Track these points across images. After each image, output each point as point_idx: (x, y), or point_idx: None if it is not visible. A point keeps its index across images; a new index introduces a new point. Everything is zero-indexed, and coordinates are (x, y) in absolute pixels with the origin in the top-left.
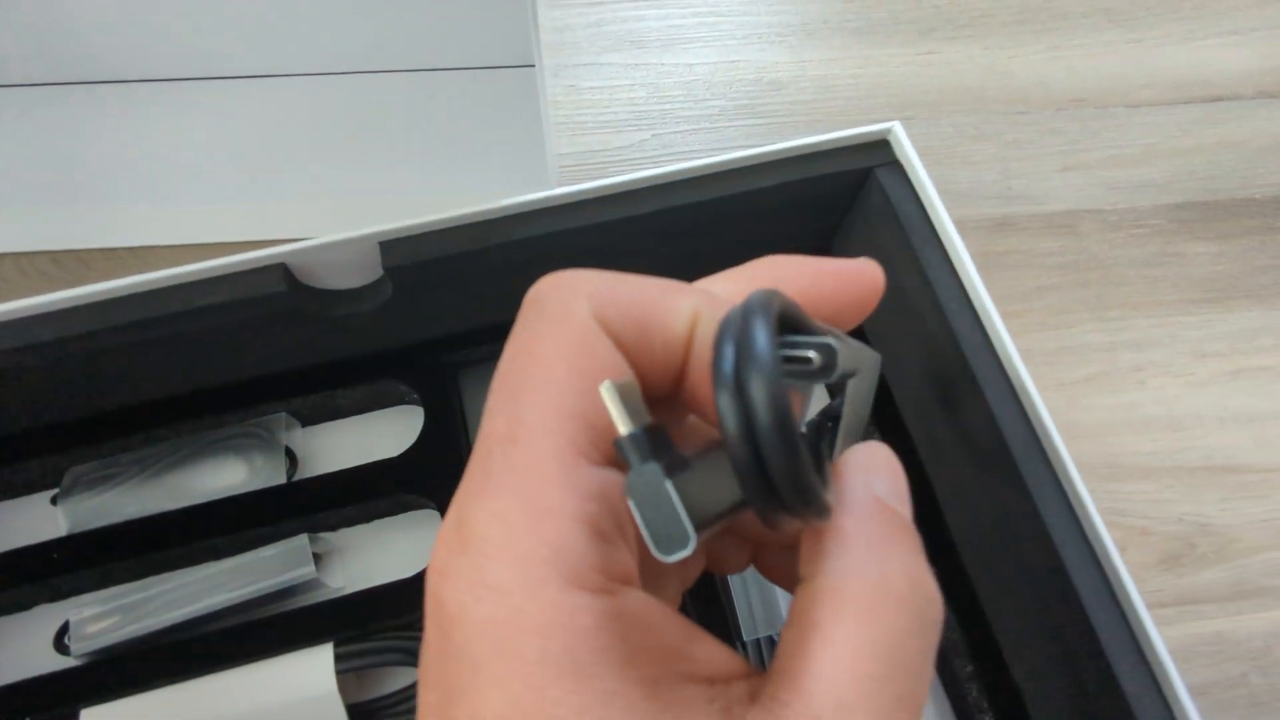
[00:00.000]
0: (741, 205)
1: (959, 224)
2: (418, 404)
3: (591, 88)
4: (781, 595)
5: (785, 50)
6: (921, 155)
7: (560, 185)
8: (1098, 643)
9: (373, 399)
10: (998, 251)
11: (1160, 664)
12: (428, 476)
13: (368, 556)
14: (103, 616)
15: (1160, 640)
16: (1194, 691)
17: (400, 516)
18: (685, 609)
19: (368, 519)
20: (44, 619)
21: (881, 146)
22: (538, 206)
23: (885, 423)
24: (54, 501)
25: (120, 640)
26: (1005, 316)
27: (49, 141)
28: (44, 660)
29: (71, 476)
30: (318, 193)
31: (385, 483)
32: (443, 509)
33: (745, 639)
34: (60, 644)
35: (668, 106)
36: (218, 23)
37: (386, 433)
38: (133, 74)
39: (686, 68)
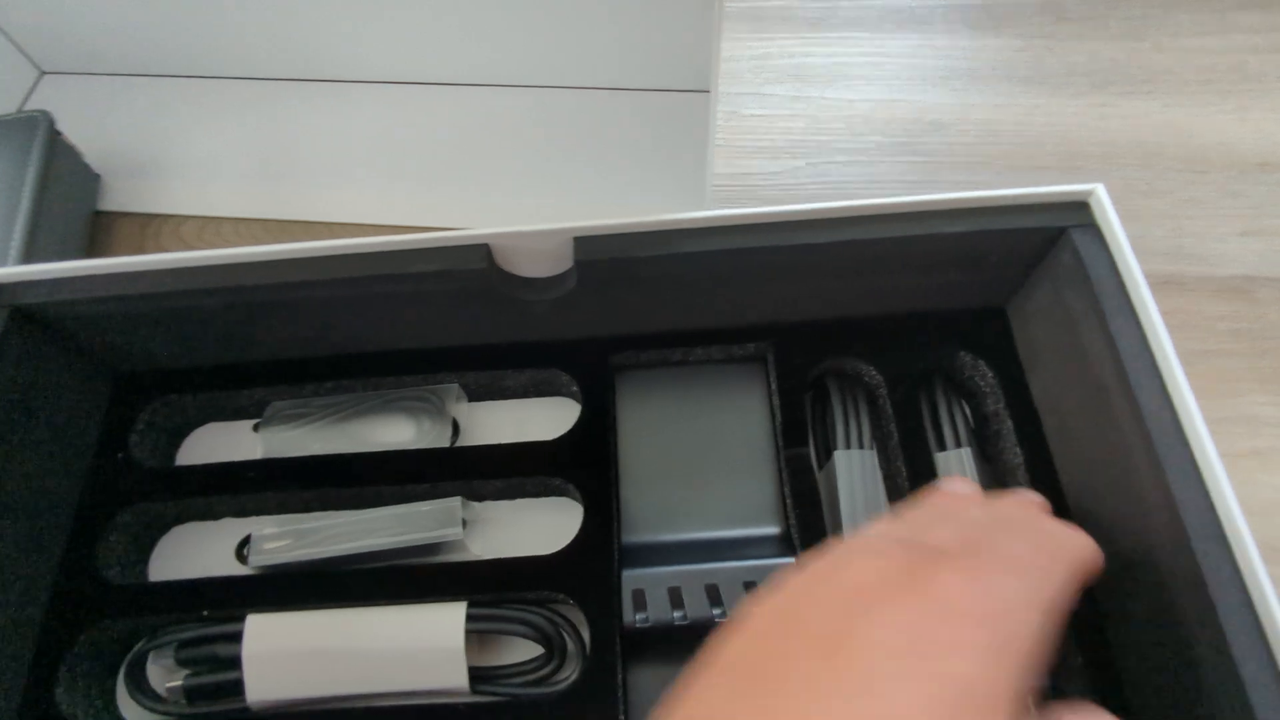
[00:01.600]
0: (925, 249)
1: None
2: (576, 398)
3: (753, 115)
4: None
5: (949, 93)
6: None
7: (715, 206)
8: None
9: (536, 386)
10: (1162, 311)
11: None
12: (574, 466)
13: (508, 531)
14: (279, 537)
15: None
16: None
17: (542, 499)
18: None
19: (513, 496)
20: (228, 531)
21: (1080, 208)
22: (728, 222)
23: (1042, 484)
24: (255, 429)
25: (289, 561)
26: None
27: (270, 128)
28: (223, 566)
29: (273, 409)
30: (493, 191)
31: (535, 464)
32: (583, 498)
33: None
34: (240, 554)
35: (825, 138)
36: (424, 33)
37: (544, 419)
38: (347, 75)
39: (847, 103)
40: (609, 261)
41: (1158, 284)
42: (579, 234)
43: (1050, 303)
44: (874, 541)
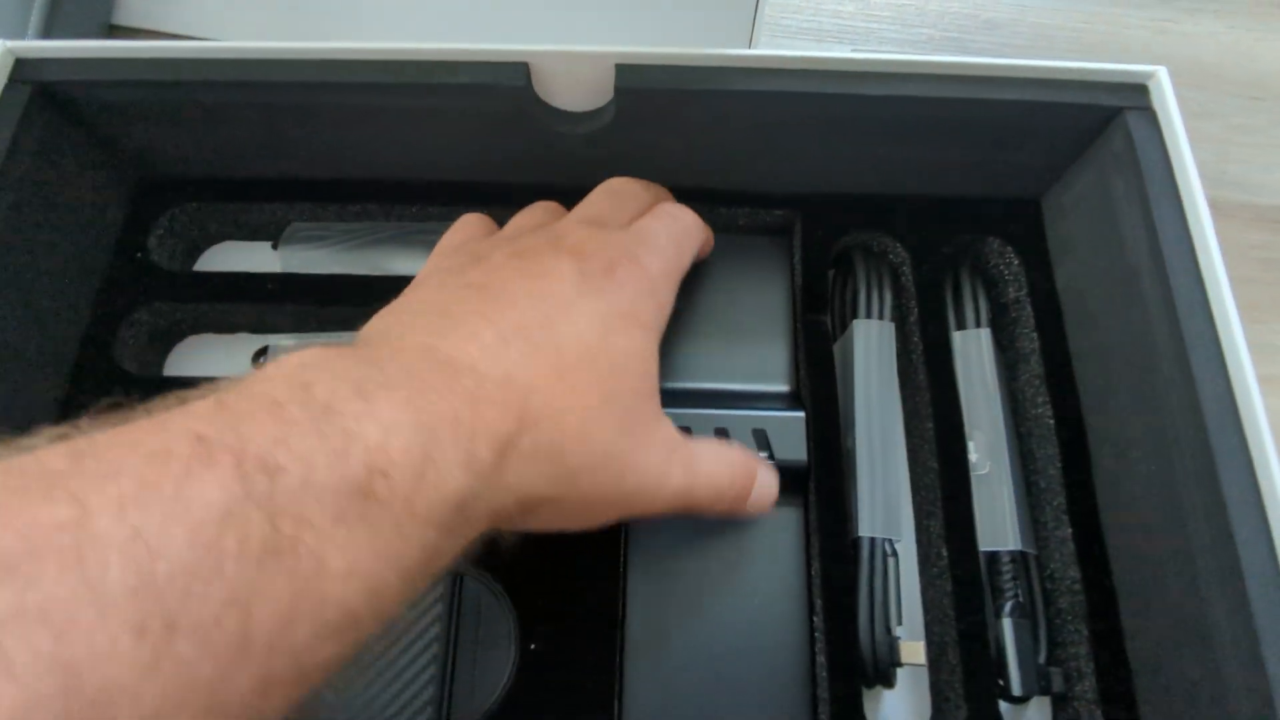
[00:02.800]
0: (974, 115)
1: None
2: None
3: None
4: (904, 501)
5: None
6: None
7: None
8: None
9: None
10: None
11: None
12: None
13: None
14: (296, 349)
15: None
16: None
17: None
18: (807, 499)
19: None
20: (244, 344)
21: (1138, 90)
22: (777, 65)
23: (1055, 370)
24: (274, 247)
25: None
26: None
27: None
28: (236, 371)
29: (292, 229)
30: (538, 25)
31: None
32: None
33: (860, 534)
34: (255, 363)
35: (874, 25)
36: None
37: None
38: None
39: None
40: (650, 94)
41: None
42: (622, 61)
43: (1091, 192)
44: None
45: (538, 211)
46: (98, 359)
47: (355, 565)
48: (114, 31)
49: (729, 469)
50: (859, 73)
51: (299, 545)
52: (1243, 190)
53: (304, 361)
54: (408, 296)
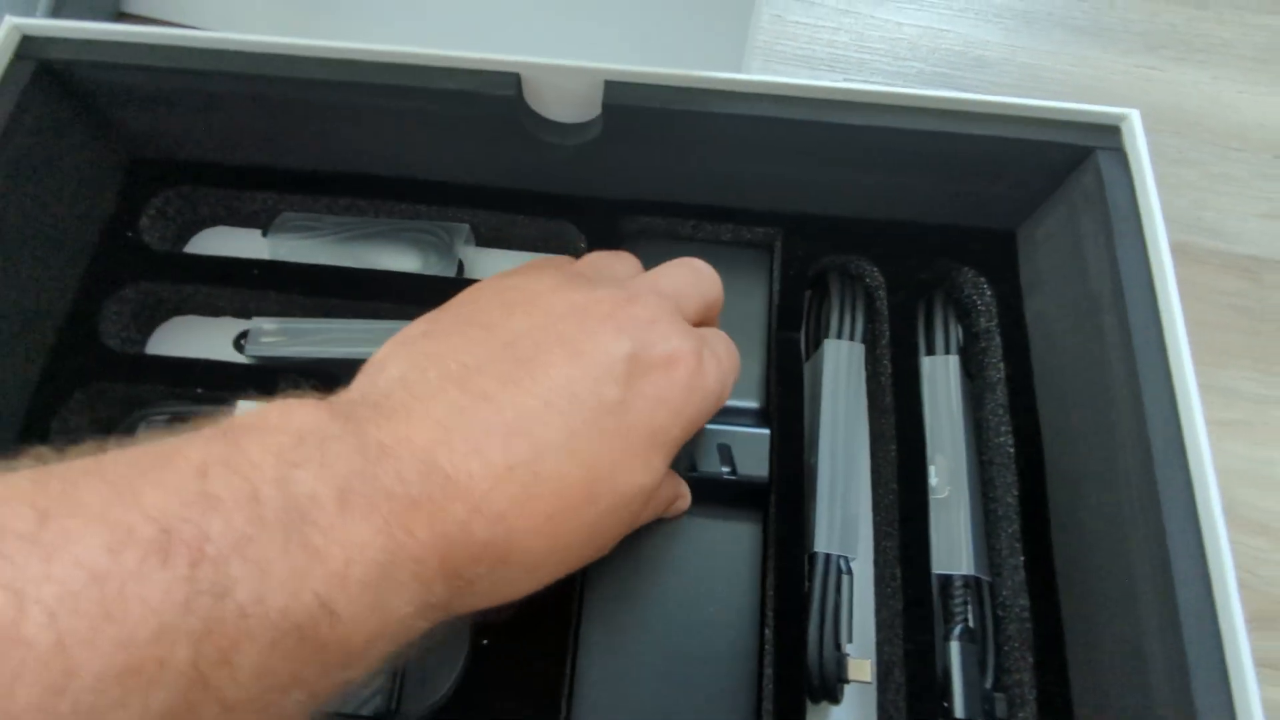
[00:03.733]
0: (952, 148)
1: None
2: (585, 253)
3: (797, 21)
4: (862, 520)
5: (999, 31)
6: None
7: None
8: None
9: (545, 239)
10: None
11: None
12: None
13: None
14: (276, 333)
15: (1246, 649)
16: None
17: None
18: (767, 514)
19: None
20: (228, 327)
21: (1111, 131)
22: (768, 90)
23: (1018, 400)
24: (264, 234)
25: (282, 355)
26: None
27: None
28: (221, 355)
29: (283, 219)
30: (533, 39)
31: None
32: None
33: (816, 550)
34: (238, 344)
35: (866, 57)
36: None
37: None
38: None
39: (895, 25)
40: (637, 111)
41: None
42: (611, 78)
43: (1062, 227)
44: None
45: (620, 262)
46: (81, 333)
47: (262, 697)
48: (123, 18)
49: (669, 503)
50: (842, 102)
51: (215, 678)
52: (1217, 237)
53: (302, 432)
54: (441, 325)
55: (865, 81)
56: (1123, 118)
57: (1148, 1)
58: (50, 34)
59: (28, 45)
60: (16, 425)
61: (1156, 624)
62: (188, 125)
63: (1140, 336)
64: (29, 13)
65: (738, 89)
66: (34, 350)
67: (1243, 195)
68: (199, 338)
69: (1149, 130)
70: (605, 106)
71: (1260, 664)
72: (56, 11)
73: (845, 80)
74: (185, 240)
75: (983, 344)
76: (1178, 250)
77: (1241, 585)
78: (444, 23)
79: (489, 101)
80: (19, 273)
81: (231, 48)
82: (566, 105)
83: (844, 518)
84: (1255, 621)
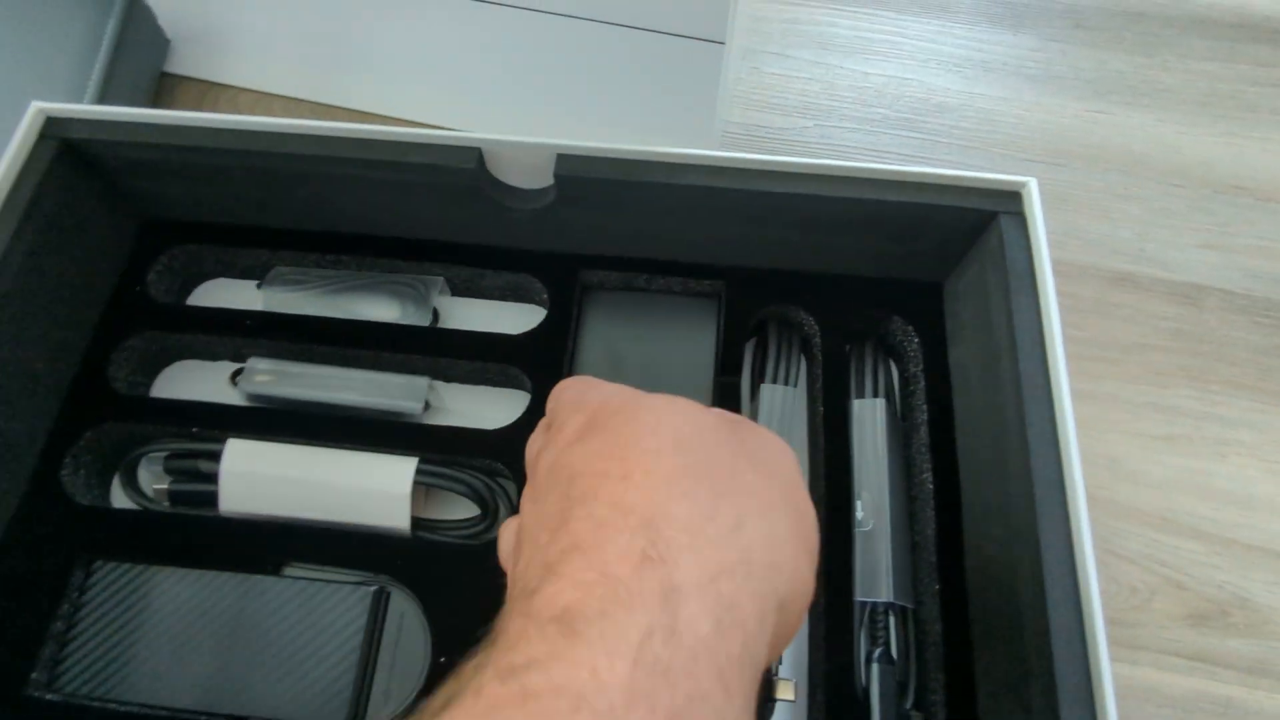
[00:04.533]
0: (872, 213)
1: (1082, 269)
2: (545, 305)
3: (773, 73)
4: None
5: (959, 79)
6: (1063, 200)
7: (724, 149)
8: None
9: (513, 290)
10: (1112, 302)
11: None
12: (531, 363)
13: (464, 411)
14: (269, 372)
15: (1109, 672)
16: None
17: (500, 389)
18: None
19: (475, 381)
20: (224, 370)
21: (1013, 197)
22: (699, 162)
23: (939, 439)
24: (258, 287)
25: (274, 394)
26: (1100, 362)
27: (328, 19)
28: (216, 398)
29: (275, 273)
30: (507, 106)
31: (499, 353)
32: (535, 394)
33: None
34: (233, 380)
35: (835, 104)
36: None
37: (514, 319)
38: None
39: (862, 75)
40: (586, 181)
41: (1115, 279)
42: (562, 151)
43: (974, 281)
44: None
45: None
46: (93, 378)
47: None
48: (165, 79)
49: None
50: (771, 172)
51: None
52: (1159, 266)
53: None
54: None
55: (837, 126)
56: (1023, 184)
57: (1096, 51)
58: (71, 115)
59: (51, 126)
60: (33, 462)
61: (1034, 647)
62: (192, 192)
63: (1028, 383)
64: (80, 89)
65: (678, 161)
66: (50, 394)
67: (1183, 227)
68: (197, 381)
69: (1097, 169)
70: (557, 176)
71: (1193, 658)
72: (108, 78)
73: (816, 124)
74: (188, 292)
75: (911, 388)
76: (1124, 279)
77: (1178, 586)
78: (429, 82)
79: (455, 173)
80: (40, 326)
81: (231, 126)
82: (523, 174)
83: None
84: (1190, 619)
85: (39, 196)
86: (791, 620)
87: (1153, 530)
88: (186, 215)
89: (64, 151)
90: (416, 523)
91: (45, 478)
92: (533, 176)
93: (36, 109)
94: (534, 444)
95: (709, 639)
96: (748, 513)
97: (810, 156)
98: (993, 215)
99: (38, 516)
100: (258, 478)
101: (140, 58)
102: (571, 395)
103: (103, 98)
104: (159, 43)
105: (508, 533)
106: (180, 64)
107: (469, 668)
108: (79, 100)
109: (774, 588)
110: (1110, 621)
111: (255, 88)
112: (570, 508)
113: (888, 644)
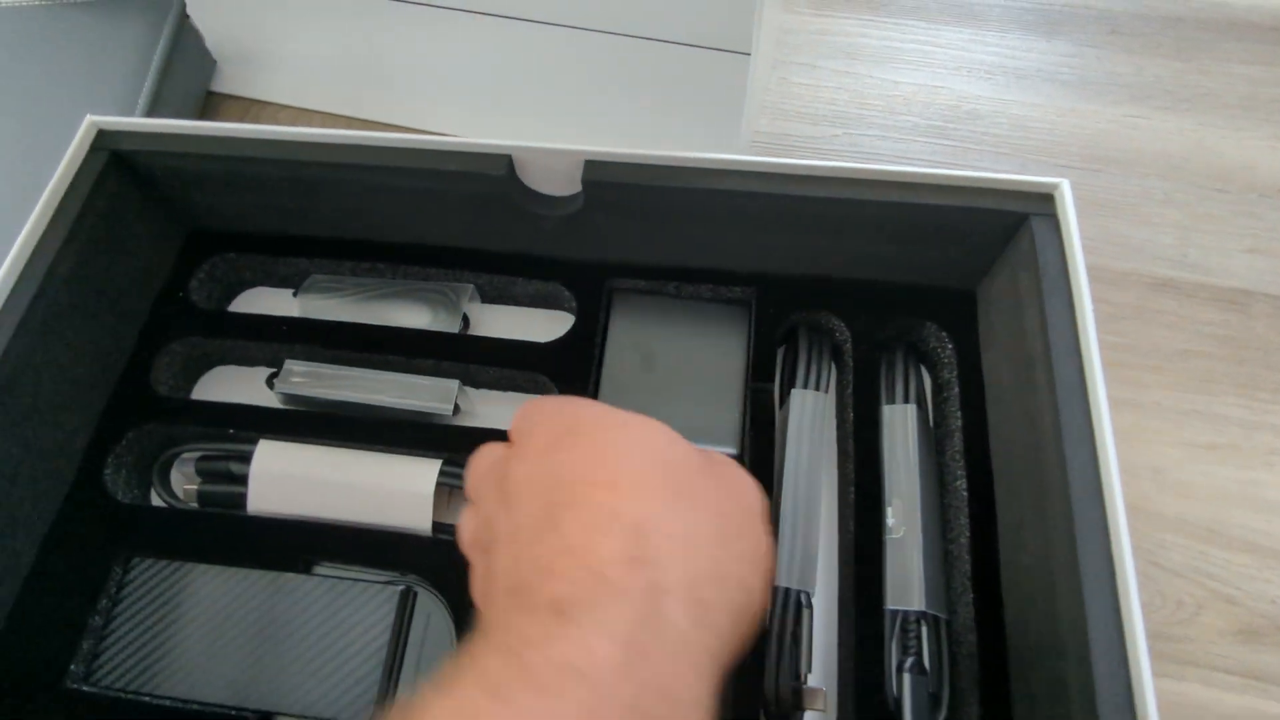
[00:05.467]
0: (903, 217)
1: (1122, 275)
2: (574, 312)
3: (801, 83)
4: (822, 556)
5: (991, 87)
6: (1100, 206)
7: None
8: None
9: (542, 297)
10: (1153, 309)
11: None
12: (558, 371)
13: (492, 416)
14: (304, 374)
15: (1150, 685)
16: None
17: (526, 396)
18: None
19: (504, 388)
20: (261, 375)
21: (1045, 199)
22: (727, 166)
23: (973, 447)
24: (295, 295)
25: (308, 395)
26: (1143, 369)
27: (368, 37)
28: (254, 400)
29: (311, 280)
30: (535, 120)
31: (528, 360)
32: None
33: (777, 583)
34: (270, 382)
35: (864, 113)
36: None
37: (543, 327)
38: (445, 2)
39: (892, 84)
40: (614, 186)
41: (1156, 285)
42: (590, 158)
43: (1007, 287)
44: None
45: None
46: (136, 381)
47: None
48: (211, 97)
49: None
50: (800, 176)
51: None
52: (1202, 272)
53: None
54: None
55: (864, 133)
56: (1055, 186)
57: (1133, 56)
58: (121, 128)
59: (102, 138)
60: (77, 461)
61: (1073, 660)
62: (234, 202)
63: (1063, 388)
64: (130, 106)
65: (707, 166)
66: (95, 396)
67: (1226, 232)
68: (237, 385)
69: (1134, 174)
70: (585, 182)
71: (1244, 675)
72: (156, 96)
73: (846, 132)
74: (229, 299)
75: (944, 395)
76: (1164, 284)
77: (1228, 601)
78: (461, 97)
79: (486, 180)
80: (87, 331)
81: (271, 137)
82: (552, 181)
83: (803, 554)
84: (1241, 635)
85: (89, 206)
86: (748, 632)
87: (1200, 543)
88: (228, 225)
89: (114, 163)
90: (438, 526)
91: (88, 477)
92: (561, 183)
93: (89, 122)
94: (488, 456)
95: (687, 634)
96: (724, 533)
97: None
98: (1024, 218)
99: (81, 515)
100: (285, 478)
101: (188, 77)
102: (552, 407)
103: (151, 114)
104: (206, 63)
105: (469, 524)
106: (225, 83)
107: (465, 654)
108: (130, 114)
109: (740, 601)
110: (1155, 636)
111: (295, 104)
112: (557, 512)
113: (920, 654)
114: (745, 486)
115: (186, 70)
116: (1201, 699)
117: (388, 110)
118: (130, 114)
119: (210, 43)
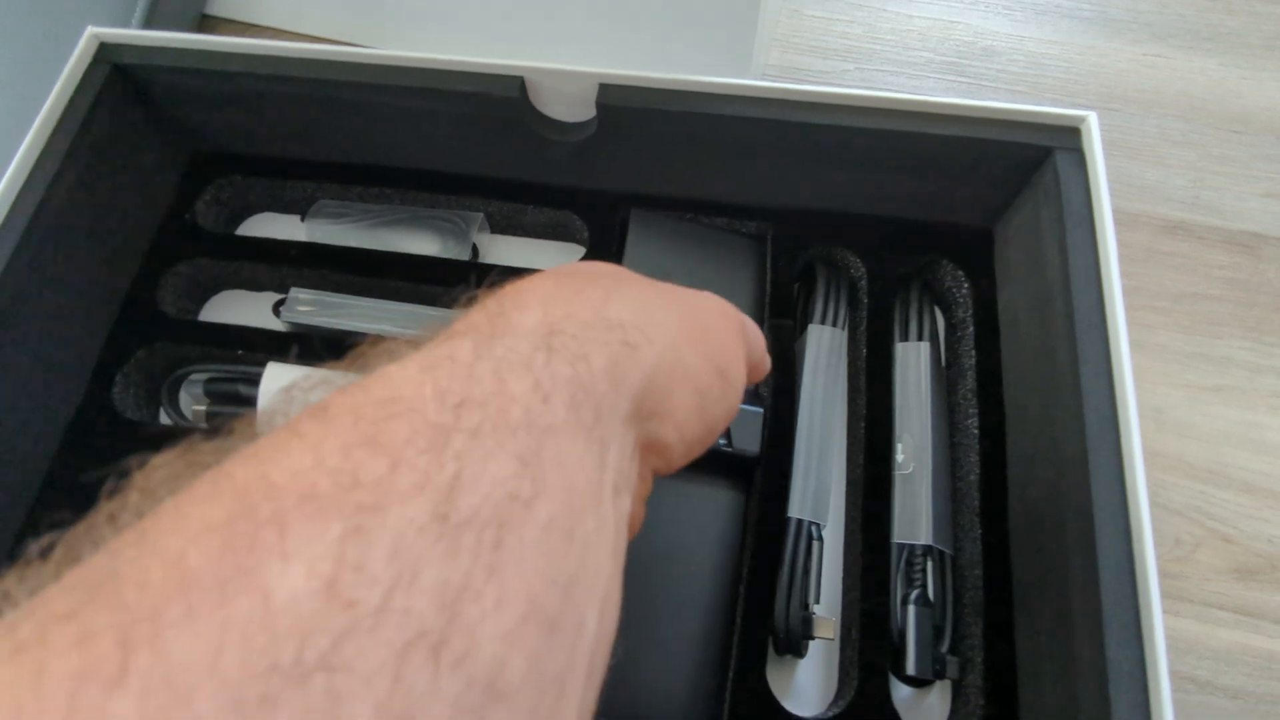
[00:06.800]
0: (922, 148)
1: (1133, 217)
2: (585, 244)
3: (813, 15)
4: (834, 490)
5: (1008, 23)
6: (1114, 146)
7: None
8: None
9: (552, 228)
10: (1163, 251)
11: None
12: None
13: None
14: (310, 302)
15: (1159, 612)
16: (1230, 693)
17: None
18: (751, 485)
19: None
20: (268, 300)
21: (1070, 133)
22: (743, 92)
23: (986, 385)
24: (302, 219)
25: (314, 324)
26: (1149, 311)
27: None
28: (261, 324)
29: (319, 205)
30: (545, 50)
31: None
32: None
33: (789, 515)
34: (276, 309)
35: (877, 47)
36: None
37: (552, 259)
38: None
39: (906, 18)
40: (628, 111)
41: (1168, 227)
42: (605, 80)
43: (1027, 221)
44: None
45: None
46: (143, 301)
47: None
48: (206, 21)
49: None
50: (816, 104)
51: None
52: (1215, 214)
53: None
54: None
55: (878, 69)
56: (1081, 119)
57: None
58: (123, 41)
59: (104, 51)
60: (86, 379)
61: (1081, 585)
62: (240, 122)
63: (1083, 325)
64: (126, 17)
65: (719, 91)
66: (101, 313)
67: (1242, 175)
68: (243, 309)
69: (1151, 114)
70: (600, 106)
71: (1237, 611)
72: (148, 20)
73: (858, 67)
74: (236, 224)
75: (959, 333)
76: (1175, 227)
77: (1225, 540)
78: (469, 24)
79: (497, 102)
80: (91, 250)
81: (278, 53)
82: (565, 105)
83: (816, 487)
84: (1236, 573)
85: (91, 119)
86: (674, 391)
87: (1199, 483)
88: (234, 148)
89: (116, 76)
90: None
91: (97, 395)
92: (575, 109)
93: (91, 33)
94: None
95: (528, 356)
96: (626, 297)
97: None
98: (1048, 151)
99: (91, 430)
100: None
101: (180, 2)
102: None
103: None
104: None
105: None
106: (220, 6)
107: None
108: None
109: (639, 355)
110: None
111: (291, 29)
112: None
113: (924, 587)
114: (706, 298)
115: None
116: (1195, 634)
117: (388, 37)
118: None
119: None
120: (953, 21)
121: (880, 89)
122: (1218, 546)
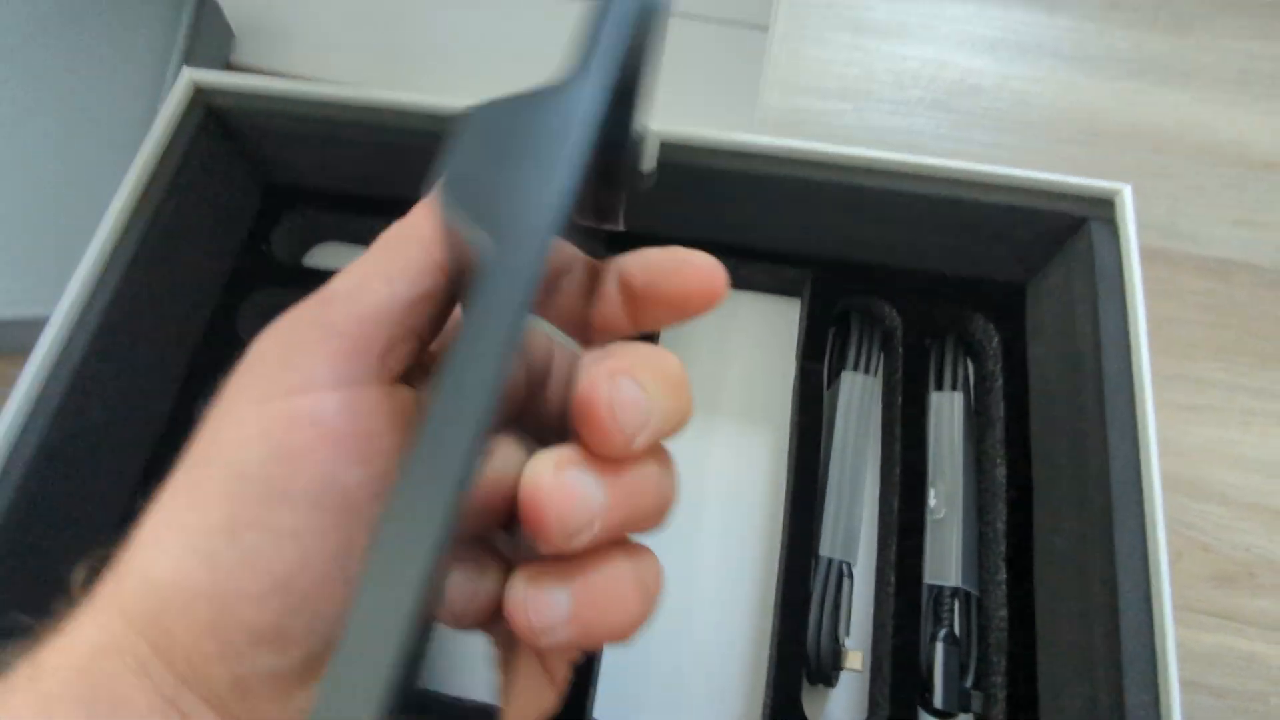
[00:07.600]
0: (960, 213)
1: None
2: None
3: (811, 57)
4: (864, 531)
5: (993, 61)
6: (1098, 178)
7: (764, 133)
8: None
9: None
10: (1145, 277)
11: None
12: None
13: None
14: None
15: (1174, 656)
16: (1214, 692)
17: None
18: (789, 514)
19: None
20: None
21: (1105, 204)
22: (794, 155)
23: (1014, 435)
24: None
25: None
26: None
27: (385, 12)
28: None
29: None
30: None
31: None
32: None
33: (820, 554)
34: None
35: (872, 87)
36: None
37: None
38: None
39: (899, 58)
40: (682, 167)
41: (1147, 255)
42: (665, 139)
43: (1059, 284)
44: None
45: None
46: (223, 327)
47: None
48: (230, 68)
49: None
50: (853, 166)
51: None
52: (1191, 243)
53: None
54: None
55: (875, 110)
56: (1116, 192)
57: (1131, 30)
58: (216, 85)
59: (199, 94)
60: (169, 402)
61: (1102, 633)
62: (313, 159)
63: (1111, 387)
64: (160, 75)
65: (773, 153)
66: (189, 338)
67: (1215, 204)
68: None
69: (1129, 147)
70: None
71: (1219, 615)
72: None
73: (857, 109)
74: (305, 252)
75: (988, 385)
76: (1152, 254)
77: (1204, 549)
78: (483, 75)
79: None
80: (178, 279)
81: (351, 100)
82: None
83: (847, 528)
84: (1215, 579)
85: (186, 157)
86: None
87: (1180, 495)
88: (307, 182)
89: (209, 119)
90: None
91: (178, 422)
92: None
93: (188, 78)
94: None
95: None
96: None
97: (848, 140)
98: (1082, 220)
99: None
100: None
101: (209, 47)
102: None
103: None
104: (225, 35)
105: None
106: (244, 55)
107: None
108: (158, 88)
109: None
110: None
111: (313, 76)
112: None
113: (952, 626)
114: None
115: (207, 42)
116: (1179, 638)
117: (406, 84)
118: (158, 89)
119: (229, 15)
120: (943, 61)
121: (876, 129)
122: (1197, 555)
